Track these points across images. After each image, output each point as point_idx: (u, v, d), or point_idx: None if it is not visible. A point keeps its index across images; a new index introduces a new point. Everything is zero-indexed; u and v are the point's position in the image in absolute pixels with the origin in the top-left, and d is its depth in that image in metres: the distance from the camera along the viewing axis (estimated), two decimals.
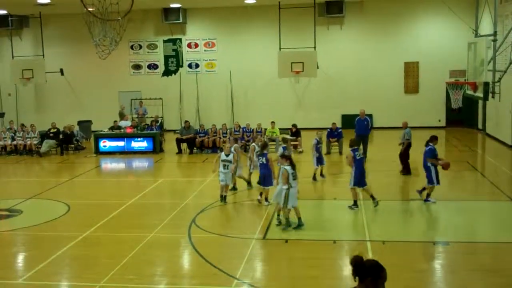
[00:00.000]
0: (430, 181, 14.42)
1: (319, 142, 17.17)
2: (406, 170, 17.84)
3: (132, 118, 27.57)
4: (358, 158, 14.12)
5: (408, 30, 28.27)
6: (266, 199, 14.43)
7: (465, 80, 20.58)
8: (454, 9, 20.63)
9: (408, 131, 17.86)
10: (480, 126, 26.72)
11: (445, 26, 27.31)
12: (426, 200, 14.43)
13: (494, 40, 15.05)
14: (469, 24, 17.66)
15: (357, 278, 4.90)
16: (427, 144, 14.60)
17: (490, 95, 15.30)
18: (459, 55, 24.55)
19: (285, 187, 12.26)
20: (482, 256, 11.00)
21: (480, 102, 24.98)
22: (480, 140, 25.07)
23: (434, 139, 14.61)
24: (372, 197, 14.09)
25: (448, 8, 20.13)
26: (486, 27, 20.21)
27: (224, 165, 14.75)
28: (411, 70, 28.39)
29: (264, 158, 14.41)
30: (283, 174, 12.29)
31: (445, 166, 14.38)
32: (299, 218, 12.47)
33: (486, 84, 15.32)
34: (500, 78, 15.22)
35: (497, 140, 23.63)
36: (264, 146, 14.71)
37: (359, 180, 14.00)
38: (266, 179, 14.23)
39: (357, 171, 13.97)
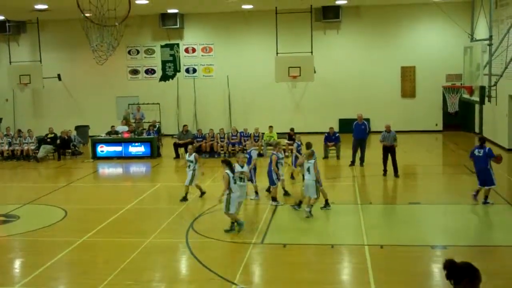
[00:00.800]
0: (490, 182, 14.52)
1: (299, 146, 17.76)
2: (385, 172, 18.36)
3: (129, 123, 27.54)
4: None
5: (404, 34, 28.35)
6: (273, 199, 15.12)
7: (461, 84, 20.66)
8: (450, 14, 20.70)
9: (393, 134, 18.26)
10: (477, 129, 26.77)
11: (441, 31, 27.39)
12: (485, 203, 14.48)
13: (490, 45, 15.13)
14: (465, 28, 17.73)
15: (451, 281, 4.88)
16: (481, 146, 14.65)
17: (486, 99, 15.36)
18: (455, 60, 24.60)
19: (227, 192, 12.54)
20: (480, 260, 10.98)
21: (477, 106, 25.04)
22: (477, 144, 25.09)
23: (484, 140, 15.07)
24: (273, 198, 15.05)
25: (444, 13, 20.20)
26: (481, 31, 20.30)
27: (241, 178, 13.32)
28: (407, 75, 28.45)
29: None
30: (224, 178, 12.58)
31: (499, 159, 14.73)
32: (233, 223, 12.78)
33: (482, 88, 15.38)
34: (496, 82, 15.30)
35: (494, 143, 23.64)
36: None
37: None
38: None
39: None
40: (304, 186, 14.24)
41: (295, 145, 17.74)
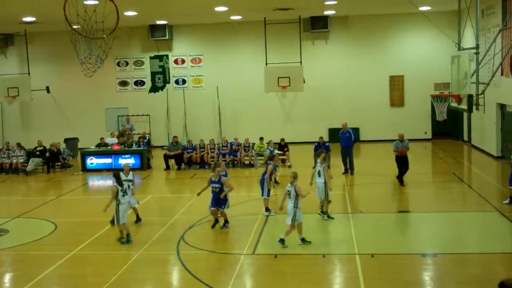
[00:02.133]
0: None
1: (272, 151, 18.60)
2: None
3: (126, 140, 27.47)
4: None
5: (392, 44, 28.55)
6: (266, 209, 15.18)
7: (449, 92, 20.81)
8: (437, 23, 20.86)
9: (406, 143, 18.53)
10: (465, 137, 26.96)
11: (428, 40, 27.62)
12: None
13: (477, 53, 15.24)
14: (452, 38, 17.85)
15: None
16: None
17: (474, 107, 15.45)
18: (443, 68, 24.81)
19: (114, 203, 12.86)
20: (471, 267, 11.06)
21: (465, 114, 25.22)
22: (466, 152, 25.28)
23: None
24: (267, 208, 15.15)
25: (431, 22, 20.37)
26: (468, 40, 20.47)
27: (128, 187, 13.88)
28: (396, 84, 28.63)
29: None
30: (112, 191, 12.95)
31: None
32: (128, 234, 13.07)
33: (470, 97, 15.47)
34: (483, 91, 15.41)
35: (483, 151, 23.84)
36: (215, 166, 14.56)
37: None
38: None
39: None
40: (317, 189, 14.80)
41: (268, 151, 18.78)
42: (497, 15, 21.04)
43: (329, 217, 14.50)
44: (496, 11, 21.24)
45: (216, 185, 13.77)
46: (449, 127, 27.36)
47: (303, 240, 12.41)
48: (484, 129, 23.89)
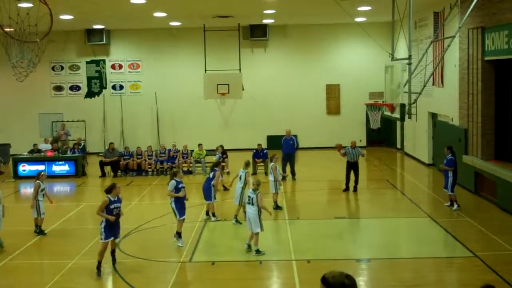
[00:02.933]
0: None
1: (220, 157, 19.10)
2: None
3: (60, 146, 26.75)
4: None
5: (329, 53, 29.09)
6: (213, 214, 15.32)
7: (383, 101, 21.36)
8: (372, 34, 21.42)
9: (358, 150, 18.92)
10: (398, 145, 27.75)
11: (364, 50, 28.30)
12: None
13: (409, 64, 15.70)
14: (386, 48, 18.36)
15: None
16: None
17: (407, 116, 15.91)
18: (377, 78, 25.37)
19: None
20: (403, 272, 11.39)
21: (398, 123, 25.96)
22: (399, 159, 26.03)
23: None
24: (208, 213, 15.42)
25: (366, 33, 20.91)
26: (401, 51, 21.15)
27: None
28: (332, 92, 29.19)
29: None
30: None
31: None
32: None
33: (402, 106, 15.91)
34: (415, 100, 15.88)
35: (415, 159, 24.60)
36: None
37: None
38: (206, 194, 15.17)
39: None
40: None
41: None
42: (429, 27, 21.84)
43: (237, 221, 14.81)
44: (428, 23, 22.06)
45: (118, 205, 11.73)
46: (383, 135, 28.09)
47: (249, 246, 12.47)
48: (416, 137, 24.66)
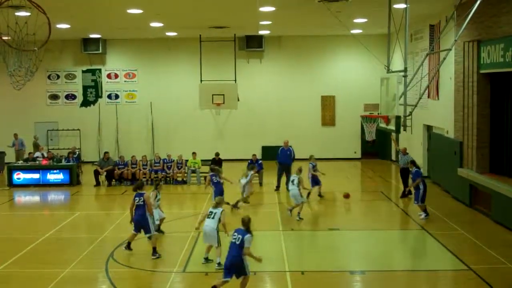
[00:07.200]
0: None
1: (314, 166, 19.39)
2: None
3: (48, 149, 26.74)
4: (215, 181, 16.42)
5: (324, 65, 29.18)
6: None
7: (378, 113, 21.43)
8: (368, 46, 21.51)
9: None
10: (393, 157, 27.79)
11: (359, 62, 28.41)
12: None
13: (405, 76, 15.79)
14: (382, 60, 18.45)
15: None
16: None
17: (402, 128, 15.98)
18: (372, 90, 25.50)
19: None
20: (397, 285, 11.39)
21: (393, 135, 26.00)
22: (394, 171, 26.05)
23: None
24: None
25: (362, 45, 21.01)
26: (397, 63, 21.25)
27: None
28: (327, 104, 29.26)
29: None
30: None
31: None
32: None
33: (397, 118, 16.00)
34: (410, 112, 15.96)
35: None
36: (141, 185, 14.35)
37: None
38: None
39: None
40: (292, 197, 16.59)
41: (310, 165, 19.21)
42: (425, 39, 21.98)
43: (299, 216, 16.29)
44: (424, 35, 22.20)
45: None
46: (377, 147, 28.13)
47: (206, 259, 12.40)
48: (411, 149, 24.64)
